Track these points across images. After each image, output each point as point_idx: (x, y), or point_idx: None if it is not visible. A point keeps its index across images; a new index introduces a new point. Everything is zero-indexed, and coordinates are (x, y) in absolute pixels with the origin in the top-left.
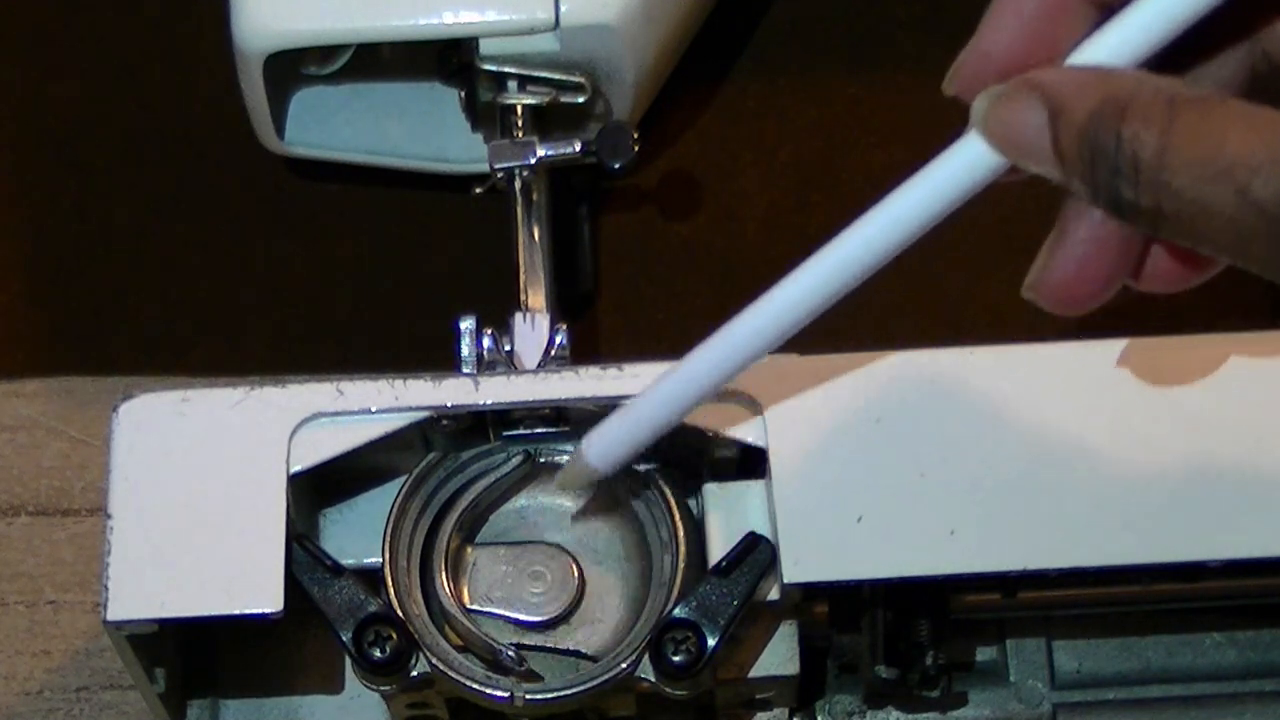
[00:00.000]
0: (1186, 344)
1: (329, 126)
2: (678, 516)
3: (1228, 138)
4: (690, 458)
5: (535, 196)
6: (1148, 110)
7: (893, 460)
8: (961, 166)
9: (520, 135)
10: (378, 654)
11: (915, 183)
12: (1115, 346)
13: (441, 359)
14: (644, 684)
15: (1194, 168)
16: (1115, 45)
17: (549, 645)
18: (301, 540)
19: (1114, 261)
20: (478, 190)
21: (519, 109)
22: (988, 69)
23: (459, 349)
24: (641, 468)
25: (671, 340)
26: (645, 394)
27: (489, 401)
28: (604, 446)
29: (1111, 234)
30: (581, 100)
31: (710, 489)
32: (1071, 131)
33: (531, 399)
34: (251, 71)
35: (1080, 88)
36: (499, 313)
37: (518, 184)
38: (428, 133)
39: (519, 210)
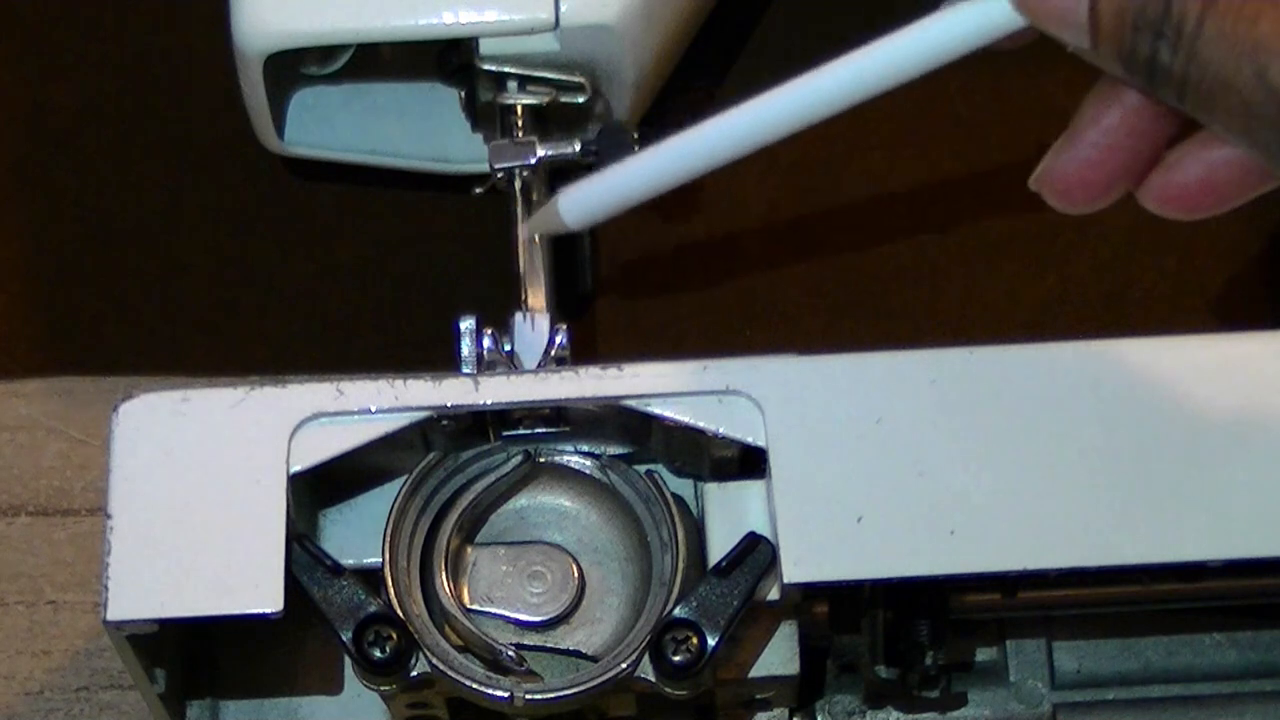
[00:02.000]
0: (1186, 344)
1: (329, 126)
2: (678, 516)
3: (1260, 21)
4: (690, 458)
5: (535, 196)
6: None
7: (893, 460)
8: (974, 18)
9: (520, 135)
10: (378, 654)
11: (930, 21)
12: (1115, 346)
13: (441, 359)
14: (644, 684)
15: (1225, 39)
16: None
17: (549, 645)
18: (301, 540)
19: (1120, 165)
20: (478, 190)
21: (519, 109)
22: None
23: (459, 349)
24: (642, 468)
25: (671, 340)
26: (628, 161)
27: (489, 401)
28: (578, 201)
29: (1120, 140)
30: (581, 100)
31: (710, 489)
32: None
33: (531, 399)
34: (251, 71)
35: None
36: (499, 313)
37: (518, 184)
38: (428, 133)
39: (519, 210)
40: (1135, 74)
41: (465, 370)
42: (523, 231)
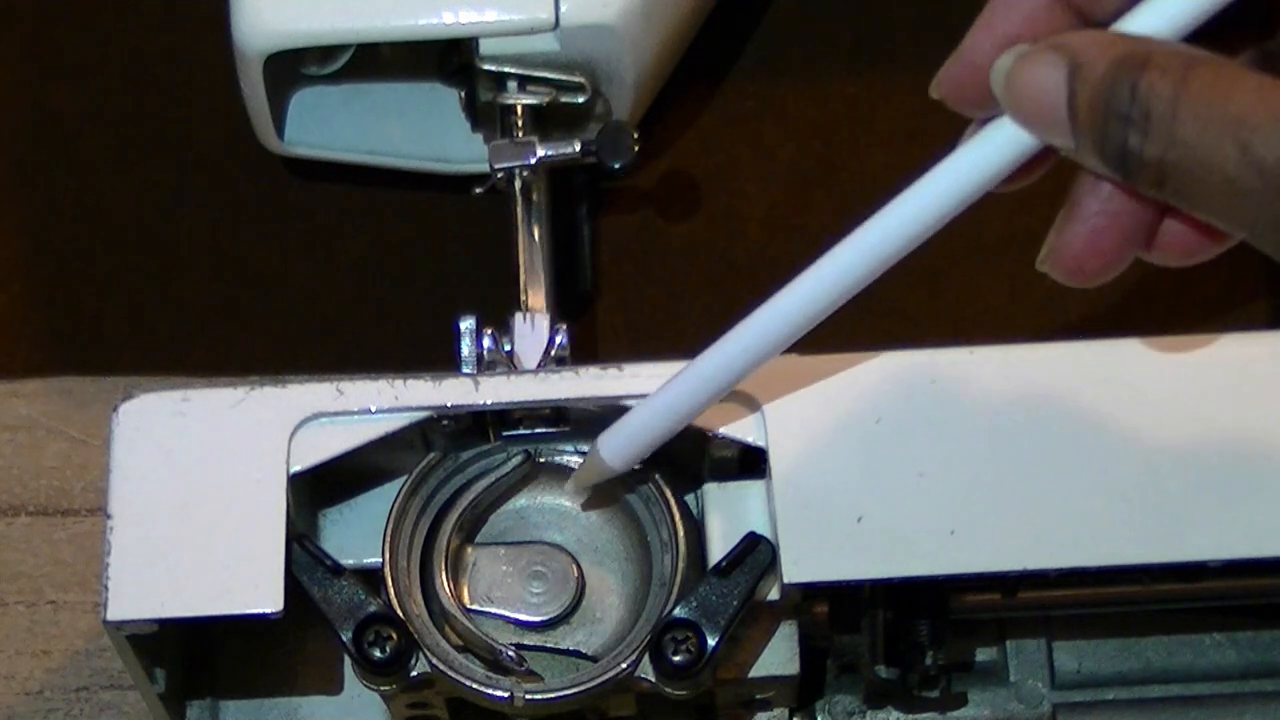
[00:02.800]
0: (1186, 344)
1: (329, 126)
2: (678, 516)
3: (1235, 95)
4: (690, 458)
5: (535, 196)
6: (1166, 63)
7: (893, 460)
8: (973, 163)
9: (520, 135)
10: (378, 654)
11: (924, 182)
12: (1115, 346)
13: (441, 359)
14: (644, 684)
15: (1201, 119)
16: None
17: (549, 645)
18: (301, 540)
19: (1126, 233)
20: (478, 190)
21: (519, 109)
22: (976, 75)
23: (459, 349)
24: (640, 467)
25: (671, 340)
26: (659, 392)
27: (489, 401)
28: (618, 444)
29: (1123, 205)
30: (581, 100)
31: (710, 489)
32: (1089, 85)
33: (531, 399)
34: (251, 71)
35: (1101, 45)
36: (499, 313)
37: (518, 184)
38: (428, 133)
39: (519, 210)
40: (1110, 165)
41: (465, 370)
42: (569, 491)
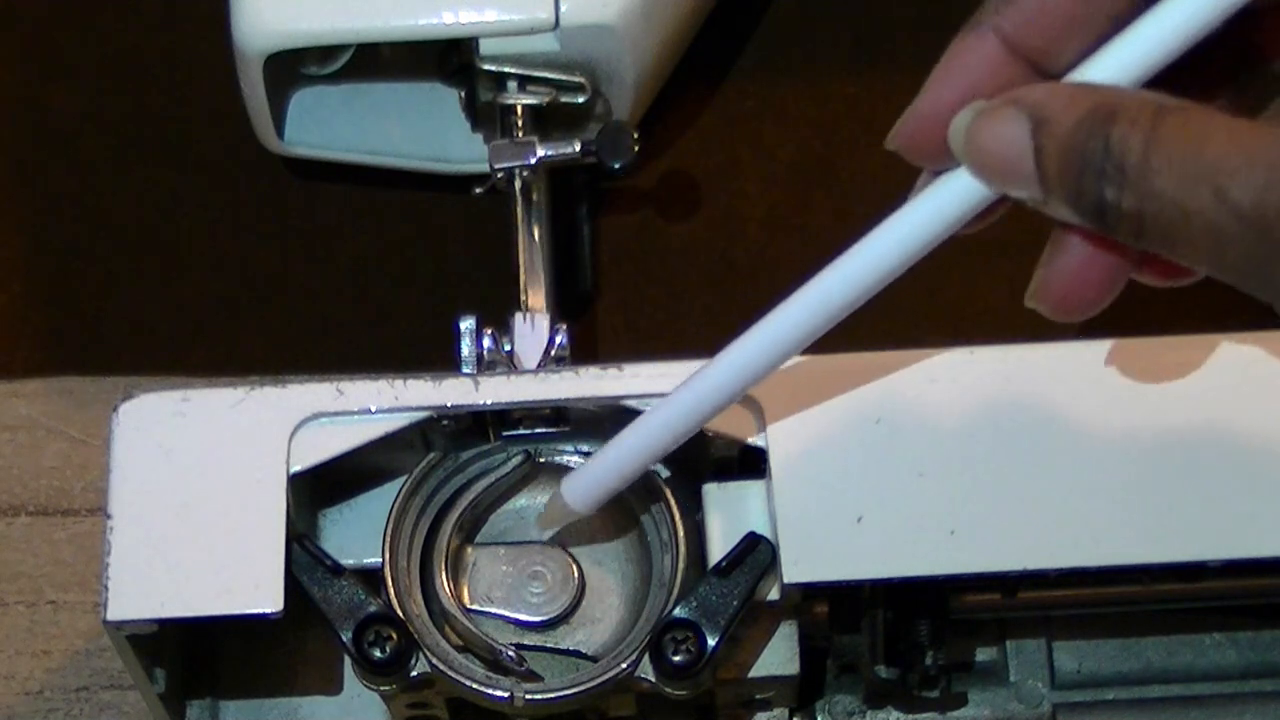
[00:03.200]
0: (1186, 344)
1: (329, 126)
2: (678, 516)
3: (1208, 141)
4: (690, 458)
5: (535, 196)
6: (1135, 114)
7: (893, 460)
8: (933, 210)
9: (520, 135)
10: (378, 654)
11: (883, 229)
12: (1115, 347)
13: (441, 359)
14: (644, 684)
15: (1176, 168)
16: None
17: (549, 645)
18: (301, 540)
19: (1112, 264)
20: (478, 190)
21: (519, 109)
22: (932, 129)
23: (459, 349)
24: None
25: (671, 340)
26: (621, 437)
27: (489, 401)
28: (582, 488)
29: (1106, 238)
30: (581, 100)
31: (710, 489)
32: (1056, 141)
33: (531, 399)
34: (251, 71)
35: (1067, 99)
36: (499, 313)
37: (518, 184)
38: (428, 133)
39: (519, 210)
40: (1087, 218)
41: (465, 370)
42: (536, 529)
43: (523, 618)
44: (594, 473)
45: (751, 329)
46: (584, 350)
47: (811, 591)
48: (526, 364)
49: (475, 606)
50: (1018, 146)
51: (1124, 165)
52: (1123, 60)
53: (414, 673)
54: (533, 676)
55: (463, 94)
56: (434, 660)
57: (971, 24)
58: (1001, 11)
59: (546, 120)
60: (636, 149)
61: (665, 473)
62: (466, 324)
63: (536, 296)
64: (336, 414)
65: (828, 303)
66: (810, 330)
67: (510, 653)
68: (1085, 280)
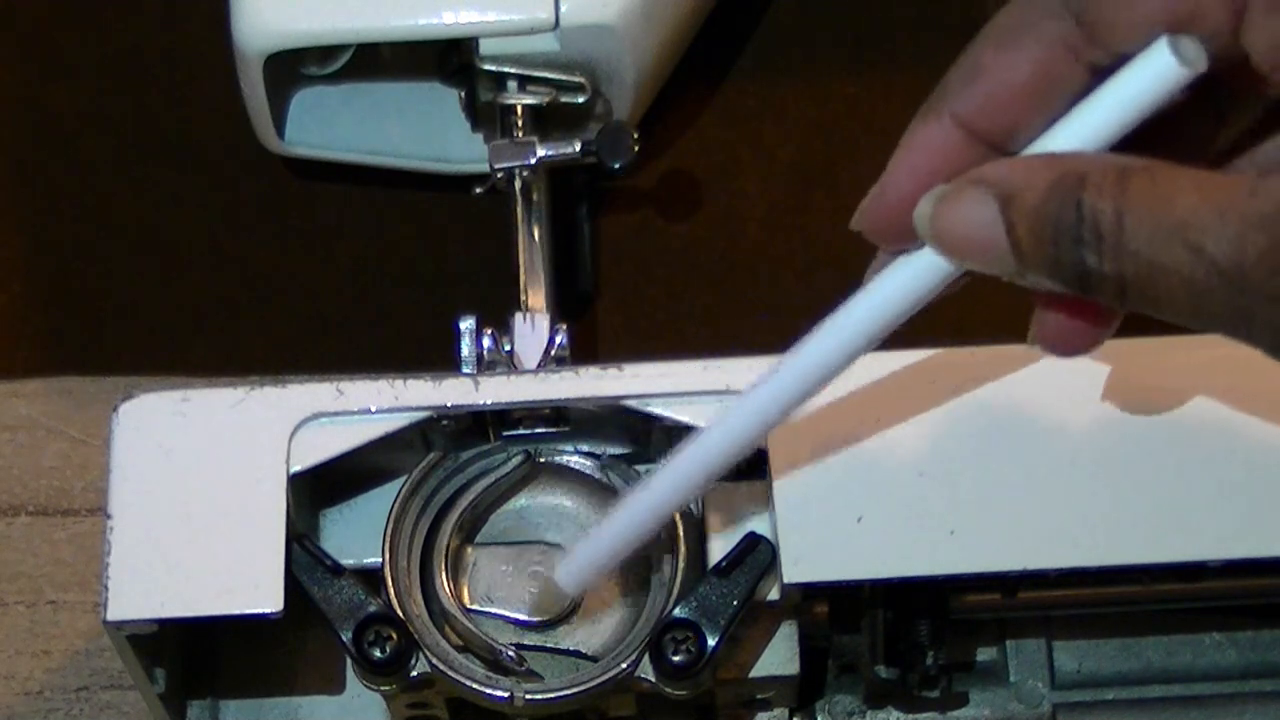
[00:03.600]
0: (1186, 344)
1: (329, 126)
2: (678, 516)
3: (1176, 198)
4: None
5: (535, 196)
6: (1101, 179)
7: (893, 460)
8: (902, 285)
9: (520, 135)
10: (378, 654)
11: (854, 304)
12: (1115, 347)
13: (441, 359)
14: (644, 684)
15: (1148, 228)
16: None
17: (549, 645)
18: (301, 540)
19: (1100, 309)
20: (478, 190)
21: (519, 109)
22: (895, 214)
23: (459, 349)
24: (641, 468)
25: (671, 340)
26: (607, 522)
27: (489, 401)
28: (573, 572)
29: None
30: (581, 100)
31: (710, 489)
32: (1027, 213)
33: (531, 399)
34: (251, 71)
35: (1030, 171)
36: (499, 313)
37: (518, 184)
38: (428, 133)
39: (519, 210)
40: (1069, 285)
41: (465, 370)
42: (530, 610)
43: (523, 618)
44: (584, 558)
45: (733, 406)
46: (584, 350)
47: (811, 591)
48: (526, 364)
49: (475, 606)
50: (987, 225)
51: (1099, 229)
52: (1084, 127)
53: (414, 673)
54: (533, 676)
55: (463, 94)
56: (434, 660)
57: (927, 109)
58: (958, 95)
59: (546, 120)
60: (636, 149)
61: None
62: (466, 324)
63: (536, 296)
64: (336, 414)
65: (788, 392)
66: (793, 398)
67: (510, 653)
68: (1077, 327)
